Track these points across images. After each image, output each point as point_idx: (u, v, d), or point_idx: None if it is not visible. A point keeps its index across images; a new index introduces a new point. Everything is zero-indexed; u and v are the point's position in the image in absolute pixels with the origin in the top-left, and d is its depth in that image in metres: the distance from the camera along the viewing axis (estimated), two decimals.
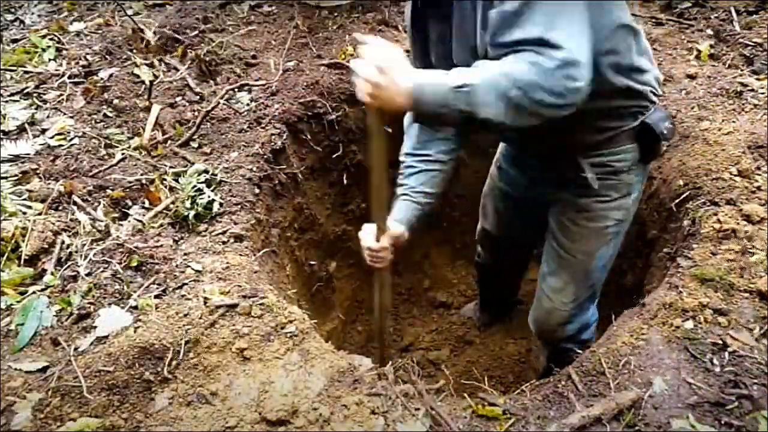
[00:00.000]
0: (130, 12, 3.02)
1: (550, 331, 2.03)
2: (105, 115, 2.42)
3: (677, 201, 2.04)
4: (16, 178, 2.05)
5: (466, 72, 1.24)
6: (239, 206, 2.07)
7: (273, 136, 2.41)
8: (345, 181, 2.87)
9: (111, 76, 2.62)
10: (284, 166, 2.48)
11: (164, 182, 2.08)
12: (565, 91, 1.16)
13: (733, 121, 2.23)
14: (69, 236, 1.83)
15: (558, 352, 2.05)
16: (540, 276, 2.01)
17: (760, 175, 1.96)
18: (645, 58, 1.55)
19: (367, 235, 1.67)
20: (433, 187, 1.77)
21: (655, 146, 1.66)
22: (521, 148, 1.89)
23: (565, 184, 1.75)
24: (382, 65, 1.26)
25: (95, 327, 1.56)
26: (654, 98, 1.60)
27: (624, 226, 1.82)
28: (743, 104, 2.33)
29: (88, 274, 1.71)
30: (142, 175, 2.12)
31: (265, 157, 2.34)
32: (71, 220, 1.89)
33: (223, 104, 2.51)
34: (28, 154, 2.18)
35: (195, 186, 2.04)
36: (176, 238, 1.90)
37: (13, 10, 3.28)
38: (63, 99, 2.49)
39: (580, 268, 1.87)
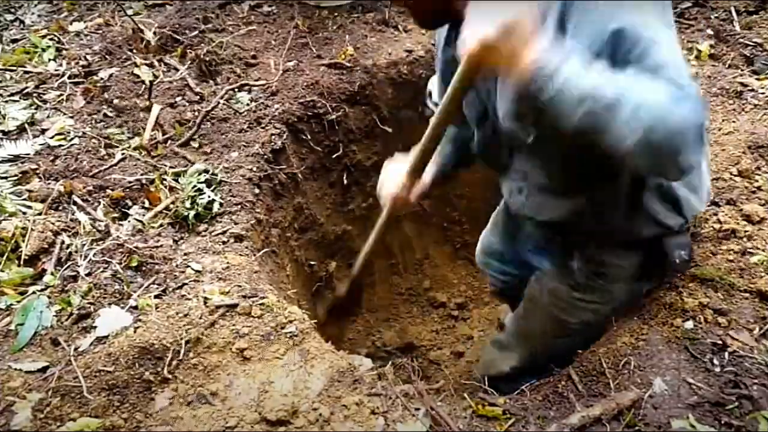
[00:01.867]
0: (130, 12, 3.02)
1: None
2: (105, 115, 2.42)
3: None
4: (16, 178, 2.05)
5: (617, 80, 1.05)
6: (239, 206, 2.07)
7: (273, 136, 2.41)
8: (345, 181, 2.87)
9: (111, 76, 2.62)
10: (284, 166, 2.48)
11: (164, 182, 2.08)
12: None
13: (733, 121, 2.23)
14: (69, 236, 1.83)
15: None
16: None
17: (760, 175, 1.96)
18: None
19: (393, 177, 1.62)
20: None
21: (661, 272, 1.53)
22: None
23: (551, 255, 1.66)
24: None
25: (95, 327, 1.56)
26: (686, 217, 1.44)
27: (592, 327, 1.69)
28: (743, 104, 2.33)
29: (88, 274, 1.71)
30: (142, 175, 2.12)
31: (265, 157, 2.34)
32: (71, 220, 1.89)
33: (223, 104, 2.51)
34: (28, 154, 2.18)
35: (195, 186, 2.04)
36: (176, 238, 1.90)
37: (13, 10, 3.27)
38: (63, 99, 2.49)
39: (529, 346, 1.82)
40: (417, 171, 1.60)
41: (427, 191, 1.68)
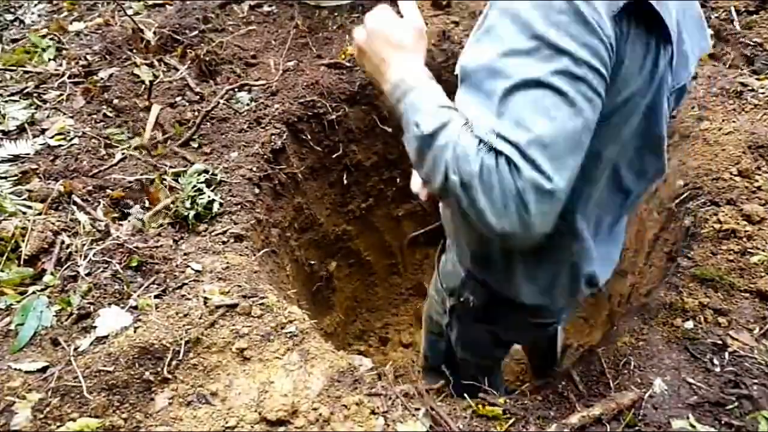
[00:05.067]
0: (130, 12, 3.02)
1: None
2: (105, 115, 2.42)
3: (677, 201, 2.04)
4: (16, 178, 2.04)
5: (442, 118, 0.95)
6: (239, 206, 2.07)
7: (273, 136, 2.41)
8: (345, 181, 2.87)
9: (111, 76, 2.62)
10: (284, 166, 2.48)
11: (164, 182, 2.08)
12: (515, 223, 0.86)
13: (733, 121, 2.23)
14: (69, 236, 1.83)
15: None
16: None
17: (760, 175, 1.96)
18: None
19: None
20: None
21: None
22: None
23: None
24: (372, 31, 1.15)
25: (95, 327, 1.56)
26: None
27: (445, 341, 1.64)
28: (743, 104, 2.33)
29: (88, 274, 1.71)
30: (142, 175, 2.12)
31: (265, 157, 2.34)
32: (71, 220, 1.89)
33: (223, 104, 2.51)
34: (28, 154, 2.18)
35: (195, 186, 2.04)
36: (176, 238, 1.90)
37: (13, 9, 3.27)
38: (63, 99, 2.49)
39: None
40: None
41: None
